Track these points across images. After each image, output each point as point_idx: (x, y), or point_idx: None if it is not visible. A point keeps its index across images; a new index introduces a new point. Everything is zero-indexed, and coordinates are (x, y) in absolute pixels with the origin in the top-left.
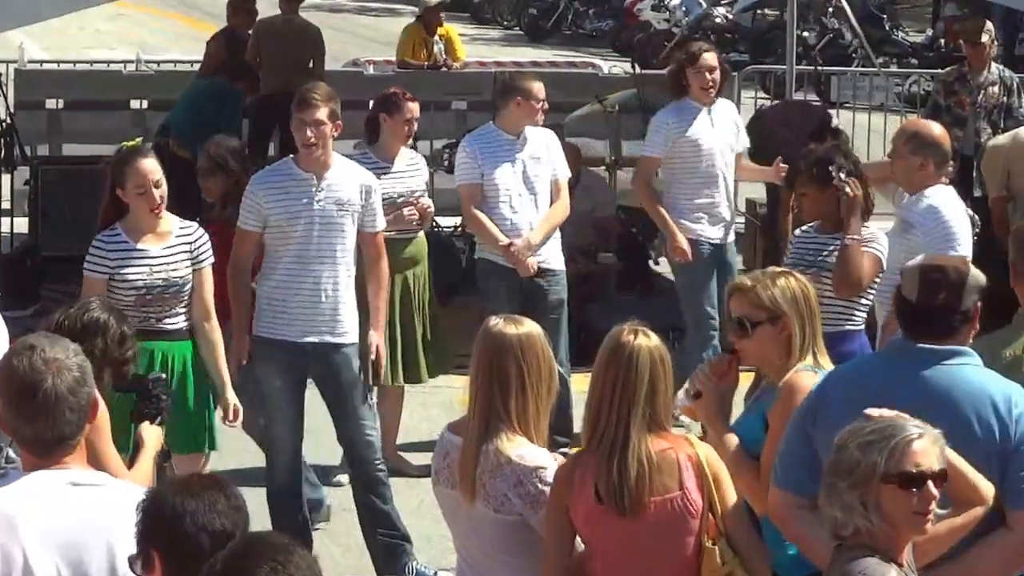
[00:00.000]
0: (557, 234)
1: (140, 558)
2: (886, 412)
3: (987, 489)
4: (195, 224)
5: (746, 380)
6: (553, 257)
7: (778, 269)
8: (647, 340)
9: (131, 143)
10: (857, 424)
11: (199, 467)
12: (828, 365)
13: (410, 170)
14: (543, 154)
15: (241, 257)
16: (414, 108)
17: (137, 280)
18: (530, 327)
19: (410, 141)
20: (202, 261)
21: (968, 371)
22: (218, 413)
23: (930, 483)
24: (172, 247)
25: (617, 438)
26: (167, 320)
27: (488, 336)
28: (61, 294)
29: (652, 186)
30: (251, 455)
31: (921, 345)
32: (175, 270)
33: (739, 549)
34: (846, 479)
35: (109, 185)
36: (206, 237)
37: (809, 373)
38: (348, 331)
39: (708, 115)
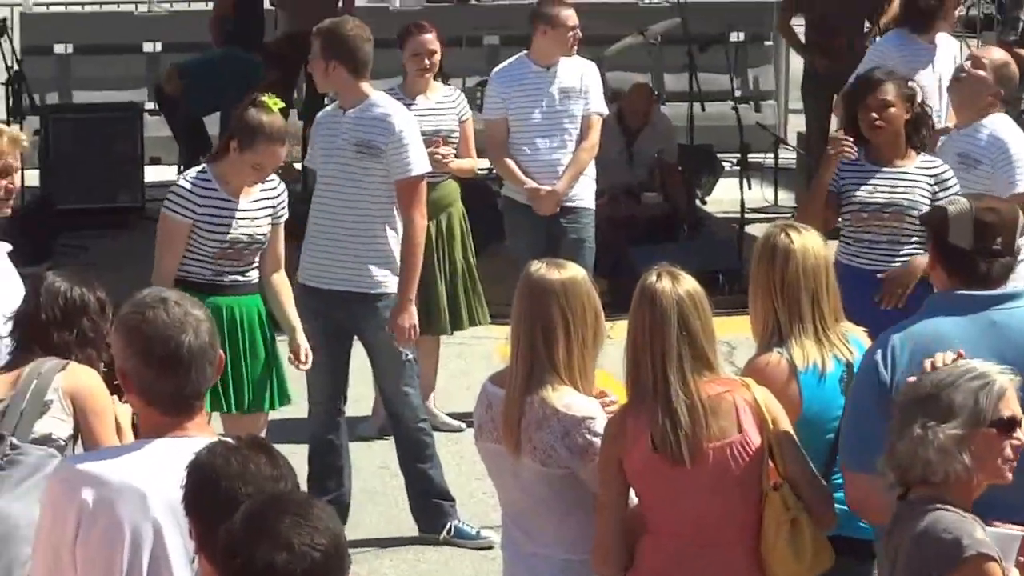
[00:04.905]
0: (591, 169)
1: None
2: (948, 357)
3: None
4: (276, 178)
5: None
6: (579, 196)
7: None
8: (671, 282)
9: (272, 101)
10: (949, 369)
11: (259, 427)
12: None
13: (439, 108)
14: (576, 86)
15: None
16: (427, 40)
17: (222, 232)
18: (574, 271)
19: (434, 76)
20: (280, 216)
21: None
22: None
23: (1019, 430)
24: (257, 201)
25: (658, 384)
26: (240, 275)
27: (530, 282)
28: (75, 248)
29: None
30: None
31: (979, 293)
32: (259, 226)
33: (802, 494)
34: (949, 421)
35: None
36: (286, 193)
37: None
38: (381, 282)
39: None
